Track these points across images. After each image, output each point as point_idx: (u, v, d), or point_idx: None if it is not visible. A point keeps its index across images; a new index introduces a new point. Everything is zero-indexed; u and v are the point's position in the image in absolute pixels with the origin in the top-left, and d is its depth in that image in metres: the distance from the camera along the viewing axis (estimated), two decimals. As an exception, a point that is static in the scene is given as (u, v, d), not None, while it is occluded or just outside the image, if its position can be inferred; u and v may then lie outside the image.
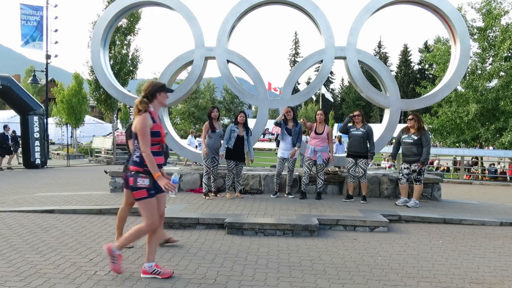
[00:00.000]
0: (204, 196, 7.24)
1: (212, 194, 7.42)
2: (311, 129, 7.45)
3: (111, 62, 21.23)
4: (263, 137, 36.32)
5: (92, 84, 23.06)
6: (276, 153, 7.70)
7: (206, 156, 7.31)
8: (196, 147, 15.61)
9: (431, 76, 40.73)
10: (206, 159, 7.32)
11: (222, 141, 7.48)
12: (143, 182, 3.59)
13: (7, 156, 16.60)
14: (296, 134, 7.33)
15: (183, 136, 35.20)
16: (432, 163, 20.17)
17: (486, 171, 19.19)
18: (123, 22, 22.06)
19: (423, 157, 6.91)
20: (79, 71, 32.31)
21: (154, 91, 3.76)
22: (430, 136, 14.98)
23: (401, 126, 7.95)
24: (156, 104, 3.79)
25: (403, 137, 7.19)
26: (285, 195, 7.53)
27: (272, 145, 23.59)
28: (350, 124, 7.52)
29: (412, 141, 7.00)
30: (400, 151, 7.41)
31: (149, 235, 3.80)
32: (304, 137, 8.63)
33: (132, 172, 3.62)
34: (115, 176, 8.26)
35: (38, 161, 16.82)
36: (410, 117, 7.19)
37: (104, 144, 25.01)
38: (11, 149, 16.66)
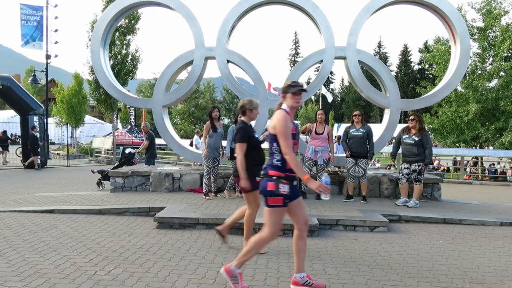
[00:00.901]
0: (204, 196, 7.24)
1: (212, 194, 7.43)
2: (310, 130, 7.43)
3: (111, 62, 21.24)
4: (263, 137, 36.24)
5: (92, 84, 23.06)
6: None
7: (207, 156, 7.32)
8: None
9: (431, 76, 40.71)
10: (207, 159, 7.32)
11: (223, 141, 7.48)
12: (284, 188, 3.33)
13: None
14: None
15: (183, 136, 35.24)
16: (432, 163, 20.18)
17: (486, 171, 19.19)
18: (123, 21, 22.07)
19: (427, 159, 6.91)
20: (79, 71, 32.37)
21: (284, 91, 3.47)
22: (431, 136, 14.97)
23: (401, 126, 7.94)
24: (290, 104, 3.45)
25: (403, 137, 7.18)
26: None
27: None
28: (349, 125, 7.51)
29: (413, 142, 7.00)
30: (400, 150, 7.41)
31: (296, 245, 3.53)
32: (304, 137, 8.62)
33: (274, 178, 3.33)
34: (115, 176, 8.25)
35: (38, 161, 16.83)
36: (411, 117, 7.17)
37: (104, 144, 25.04)
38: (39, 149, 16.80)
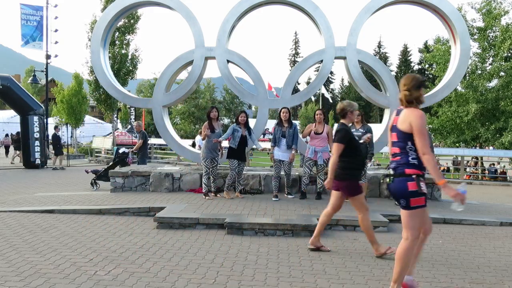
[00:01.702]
0: (204, 196, 7.24)
1: (212, 194, 7.43)
2: (310, 132, 7.37)
3: (111, 62, 21.26)
4: (263, 137, 36.29)
5: (92, 84, 23.07)
6: (268, 153, 7.65)
7: (205, 157, 7.31)
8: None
9: (431, 76, 40.70)
10: (206, 159, 7.32)
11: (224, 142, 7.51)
12: (425, 187, 3.21)
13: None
14: (291, 136, 7.20)
15: (183, 136, 35.22)
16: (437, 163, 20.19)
17: (486, 171, 19.19)
18: (122, 21, 22.09)
19: None
20: (79, 71, 32.31)
21: (418, 85, 3.33)
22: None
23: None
24: (421, 101, 3.38)
25: None
26: (285, 195, 7.52)
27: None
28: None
29: None
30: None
31: (417, 248, 3.46)
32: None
33: (413, 176, 3.20)
34: (115, 176, 8.25)
35: (38, 161, 16.86)
36: None
37: (104, 144, 25.03)
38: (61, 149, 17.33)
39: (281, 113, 7.36)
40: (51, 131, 18.45)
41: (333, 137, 4.59)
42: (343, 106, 4.60)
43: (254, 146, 7.82)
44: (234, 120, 7.86)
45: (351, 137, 4.50)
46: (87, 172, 10.99)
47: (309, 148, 7.34)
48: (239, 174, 7.46)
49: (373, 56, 8.87)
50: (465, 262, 4.42)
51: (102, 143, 25.51)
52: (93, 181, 10.01)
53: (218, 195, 7.48)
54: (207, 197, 7.19)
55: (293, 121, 7.54)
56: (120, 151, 11.06)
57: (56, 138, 16.92)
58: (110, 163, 11.04)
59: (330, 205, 4.66)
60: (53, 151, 17.07)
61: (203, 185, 7.36)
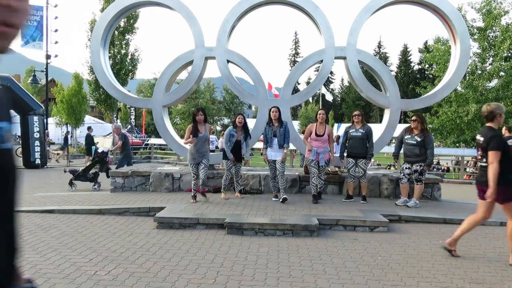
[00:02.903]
0: (191, 199, 6.95)
1: (206, 197, 7.04)
2: (310, 134, 7.29)
3: (111, 62, 21.25)
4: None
5: (92, 84, 23.06)
6: (262, 154, 7.53)
7: (192, 161, 7.02)
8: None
9: (431, 76, 40.70)
10: (192, 163, 7.03)
11: (224, 145, 7.46)
12: None
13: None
14: (282, 135, 7.13)
15: (183, 136, 35.17)
16: (438, 163, 20.21)
17: (486, 171, 19.18)
18: (121, 21, 22.10)
19: (429, 159, 6.89)
20: (79, 71, 32.32)
21: None
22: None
23: (400, 126, 7.93)
24: None
25: (406, 137, 7.17)
26: (280, 201, 6.97)
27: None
28: (349, 125, 7.49)
29: (415, 142, 6.98)
30: (402, 150, 7.41)
31: None
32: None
33: None
34: (115, 176, 8.25)
35: (38, 161, 16.85)
36: (413, 118, 7.16)
37: (104, 144, 25.02)
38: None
39: (271, 112, 7.30)
40: (51, 131, 18.42)
41: (487, 144, 4.25)
42: (492, 109, 4.34)
43: (253, 147, 7.75)
44: (233, 121, 7.76)
45: (505, 142, 4.32)
46: (65, 171, 10.86)
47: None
48: (236, 174, 7.43)
49: (373, 56, 8.87)
50: (465, 262, 4.42)
51: (102, 143, 25.50)
52: (70, 181, 9.76)
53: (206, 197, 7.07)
54: (192, 201, 6.88)
55: (284, 120, 7.39)
56: (99, 150, 11.03)
57: (90, 138, 16.97)
58: (88, 163, 10.98)
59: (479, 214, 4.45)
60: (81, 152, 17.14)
61: (192, 189, 7.04)
